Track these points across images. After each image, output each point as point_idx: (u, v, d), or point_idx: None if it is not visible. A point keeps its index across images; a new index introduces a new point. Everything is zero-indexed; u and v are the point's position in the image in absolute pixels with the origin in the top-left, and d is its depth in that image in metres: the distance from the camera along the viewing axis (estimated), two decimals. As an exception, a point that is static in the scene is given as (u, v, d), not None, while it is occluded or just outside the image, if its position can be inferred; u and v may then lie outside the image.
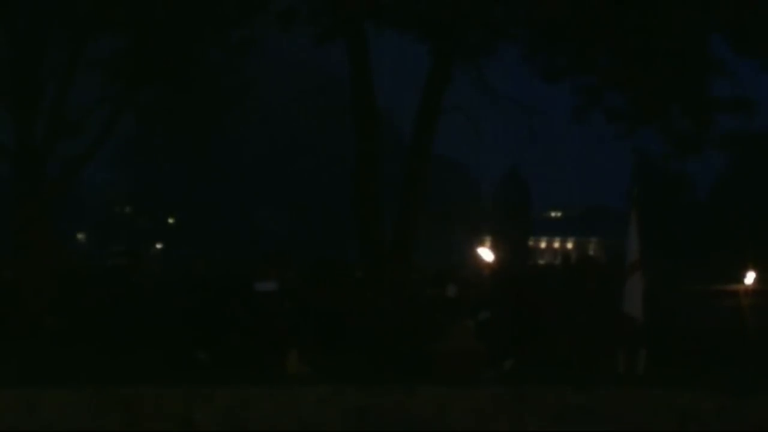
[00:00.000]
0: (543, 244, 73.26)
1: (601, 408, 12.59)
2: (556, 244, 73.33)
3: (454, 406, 12.49)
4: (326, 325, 14.93)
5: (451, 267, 19.83)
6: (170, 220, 41.52)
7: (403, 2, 17.88)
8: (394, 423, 12.30)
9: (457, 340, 13.71)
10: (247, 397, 12.28)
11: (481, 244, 45.77)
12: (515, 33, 18.25)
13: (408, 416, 12.37)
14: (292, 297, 14.39)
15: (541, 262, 58.10)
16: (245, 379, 12.86)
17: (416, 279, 17.79)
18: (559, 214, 78.98)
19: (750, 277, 18.75)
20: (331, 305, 15.24)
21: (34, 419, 11.74)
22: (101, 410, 11.92)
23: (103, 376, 12.72)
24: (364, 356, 14.50)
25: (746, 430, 12.57)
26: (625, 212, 17.29)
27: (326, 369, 13.49)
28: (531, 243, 66.69)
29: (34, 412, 11.77)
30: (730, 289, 18.72)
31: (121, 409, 11.96)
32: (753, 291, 18.30)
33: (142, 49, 16.92)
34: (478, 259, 19.83)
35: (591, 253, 61.70)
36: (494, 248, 20.34)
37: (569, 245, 71.83)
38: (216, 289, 15.56)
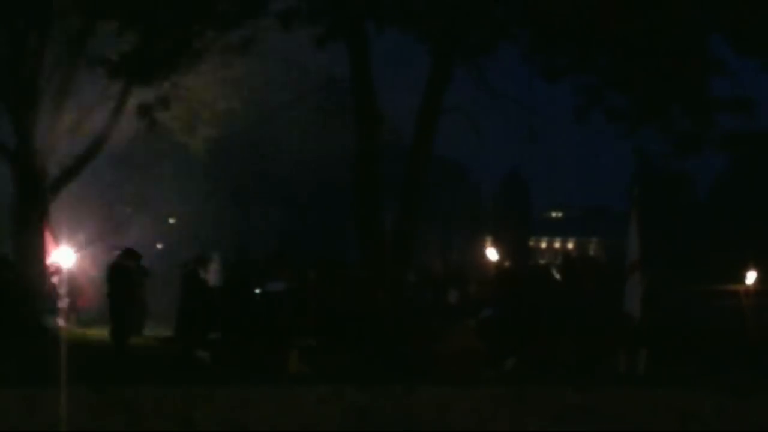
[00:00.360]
0: (544, 245, 73.21)
1: (601, 408, 12.58)
2: (557, 245, 73.29)
3: (454, 405, 12.48)
4: (327, 324, 14.93)
5: (457, 267, 19.82)
6: (171, 220, 41.49)
7: (404, 2, 17.90)
8: (394, 423, 12.29)
9: (457, 340, 13.71)
10: (247, 397, 12.27)
11: (482, 244, 45.76)
12: (516, 33, 18.26)
13: (408, 416, 12.36)
14: (298, 297, 14.42)
15: (542, 261, 58.08)
16: (245, 379, 12.87)
17: (418, 280, 17.76)
18: (559, 215, 78.91)
19: (751, 277, 18.73)
20: (332, 305, 15.23)
21: (35, 419, 11.72)
22: (102, 410, 11.91)
23: (103, 376, 12.73)
24: (364, 356, 14.50)
25: (747, 431, 12.57)
26: (626, 212, 17.28)
27: (326, 369, 13.49)
28: (532, 243, 66.65)
29: (35, 412, 11.76)
30: (730, 289, 18.67)
31: (121, 409, 11.95)
32: (754, 291, 18.26)
33: (142, 48, 16.93)
34: (482, 259, 19.84)
35: (592, 253, 61.68)
36: (495, 248, 20.34)
37: (570, 245, 71.80)
38: (219, 289, 15.58)
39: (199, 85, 19.36)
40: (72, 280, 19.42)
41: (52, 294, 18.48)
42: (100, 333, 16.44)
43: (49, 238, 18.43)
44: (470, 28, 18.01)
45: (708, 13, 16.36)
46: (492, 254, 20.03)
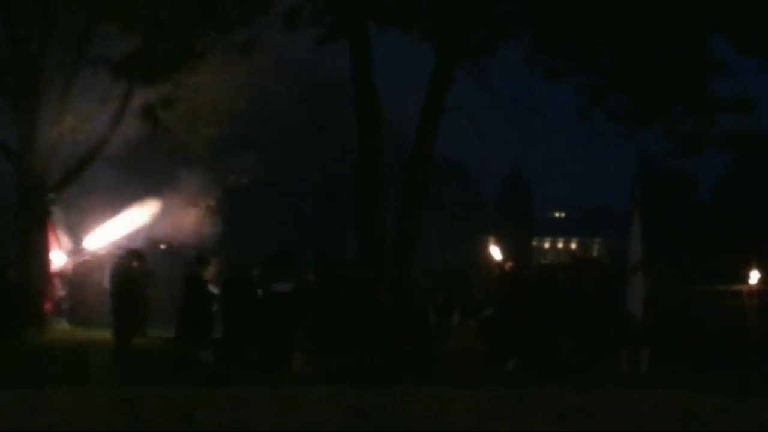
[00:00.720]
0: (547, 245, 73.15)
1: (603, 408, 12.58)
2: (560, 245, 73.23)
3: (455, 406, 12.48)
4: (328, 325, 14.93)
5: (459, 269, 19.78)
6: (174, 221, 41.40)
7: (405, 2, 17.92)
8: (395, 423, 12.29)
9: (459, 341, 13.71)
10: (249, 397, 12.27)
11: (484, 244, 45.71)
12: (517, 33, 18.26)
13: (409, 416, 12.36)
14: (300, 297, 14.40)
15: (545, 261, 58.07)
16: (247, 379, 12.88)
17: (423, 283, 17.73)
18: (562, 215, 78.88)
19: (754, 278, 18.69)
20: (333, 305, 15.24)
21: (36, 420, 11.73)
22: (103, 410, 11.92)
23: (105, 376, 12.75)
24: (365, 356, 14.51)
25: (748, 431, 12.56)
26: (628, 213, 17.27)
27: (328, 369, 13.50)
28: (535, 243, 66.56)
29: (36, 412, 11.77)
30: (733, 290, 18.67)
31: (123, 409, 11.96)
32: (757, 291, 18.25)
33: (146, 48, 16.92)
34: (485, 259, 19.81)
35: (595, 254, 61.63)
36: (498, 248, 20.32)
37: (573, 246, 71.78)
38: (225, 290, 15.55)
39: (201, 85, 19.34)
40: (74, 280, 19.51)
41: (54, 294, 18.54)
42: (103, 333, 16.44)
43: (51, 239, 18.48)
44: (471, 29, 18.02)
45: (709, 14, 16.35)
46: (495, 253, 19.95)
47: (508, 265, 17.85)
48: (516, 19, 18.11)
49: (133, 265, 16.70)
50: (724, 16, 16.28)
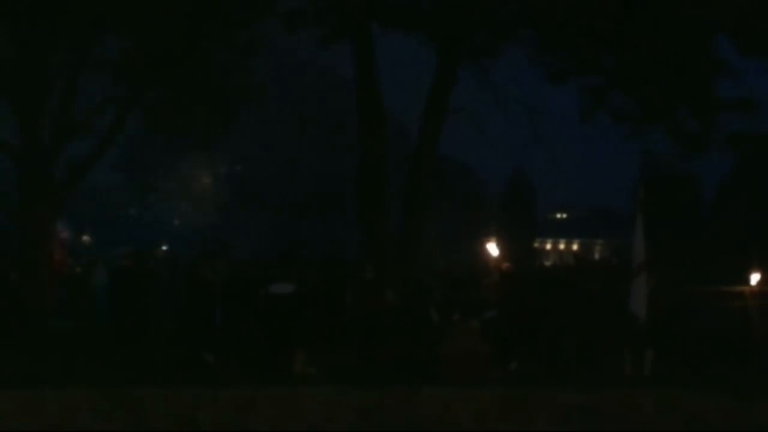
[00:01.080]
0: (549, 246, 73.11)
1: (606, 409, 12.58)
2: (562, 246, 73.20)
3: (459, 406, 12.49)
4: (333, 325, 14.93)
5: (459, 272, 19.75)
6: (175, 222, 41.39)
7: (409, 3, 17.91)
8: (398, 423, 12.30)
9: (462, 342, 13.70)
10: (252, 397, 12.27)
11: (487, 245, 45.68)
12: (520, 34, 18.25)
13: (413, 416, 12.36)
14: (308, 299, 14.38)
15: (547, 263, 57.98)
16: (250, 379, 12.87)
17: (425, 282, 17.70)
18: (564, 216, 78.84)
19: (756, 278, 18.63)
20: (334, 305, 15.23)
21: (39, 419, 11.73)
22: (106, 410, 11.92)
23: (108, 377, 12.74)
24: (369, 357, 14.50)
25: (751, 431, 12.56)
26: (631, 213, 17.24)
27: (331, 369, 13.50)
28: (537, 244, 66.50)
29: (39, 412, 11.77)
30: (736, 290, 18.62)
31: (125, 409, 11.97)
32: (760, 292, 18.19)
33: (148, 49, 16.92)
34: (488, 258, 19.75)
35: (597, 255, 61.58)
36: (498, 247, 20.21)
37: (575, 247, 71.73)
38: (226, 291, 15.54)
39: (204, 86, 19.34)
40: (79, 280, 19.53)
41: (57, 294, 18.56)
42: (105, 334, 16.44)
43: (55, 239, 18.49)
44: (474, 30, 18.00)
45: (713, 14, 16.33)
46: (492, 249, 19.88)
47: (505, 265, 17.84)
48: (519, 20, 18.09)
49: (136, 266, 16.70)
50: (728, 16, 16.26)
